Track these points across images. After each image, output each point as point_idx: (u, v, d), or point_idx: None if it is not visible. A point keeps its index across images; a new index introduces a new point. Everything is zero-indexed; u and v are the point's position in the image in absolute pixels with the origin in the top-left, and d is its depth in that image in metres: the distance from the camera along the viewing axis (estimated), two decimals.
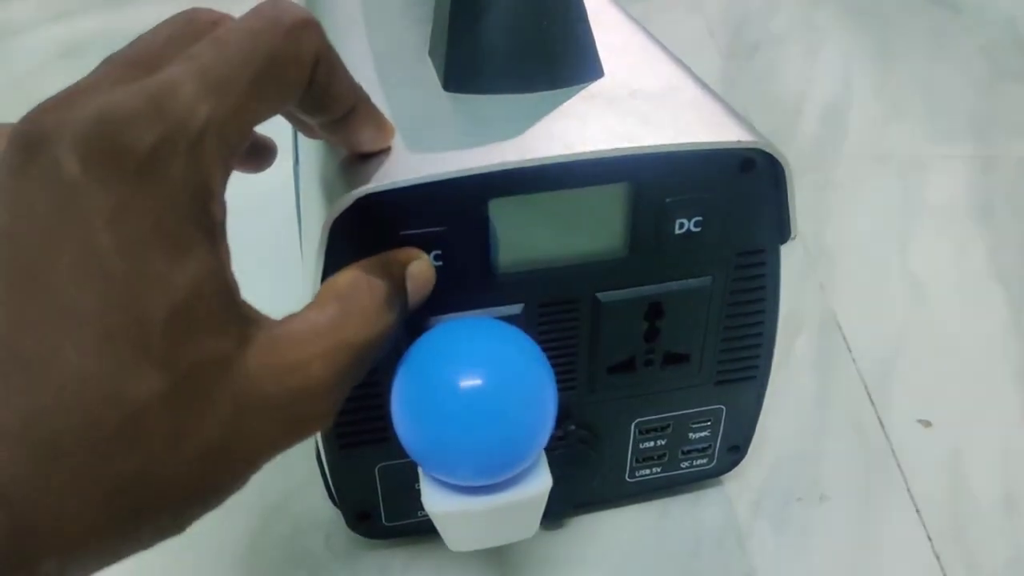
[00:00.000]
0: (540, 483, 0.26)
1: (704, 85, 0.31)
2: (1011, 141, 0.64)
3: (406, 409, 0.24)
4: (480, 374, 0.24)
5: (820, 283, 0.49)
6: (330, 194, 0.25)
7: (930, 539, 0.34)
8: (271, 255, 0.47)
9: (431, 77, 0.30)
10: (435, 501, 0.25)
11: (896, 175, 0.60)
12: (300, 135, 0.37)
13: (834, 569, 0.33)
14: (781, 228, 0.29)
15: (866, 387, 0.42)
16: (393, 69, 0.32)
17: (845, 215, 0.56)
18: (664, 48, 0.34)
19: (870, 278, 0.50)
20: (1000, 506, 0.36)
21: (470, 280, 0.27)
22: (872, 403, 0.41)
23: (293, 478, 0.37)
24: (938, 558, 0.34)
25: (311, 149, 0.30)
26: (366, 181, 0.25)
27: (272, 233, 0.49)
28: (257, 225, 0.50)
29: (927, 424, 0.40)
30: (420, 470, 0.26)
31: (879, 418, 0.40)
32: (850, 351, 0.44)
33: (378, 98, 0.29)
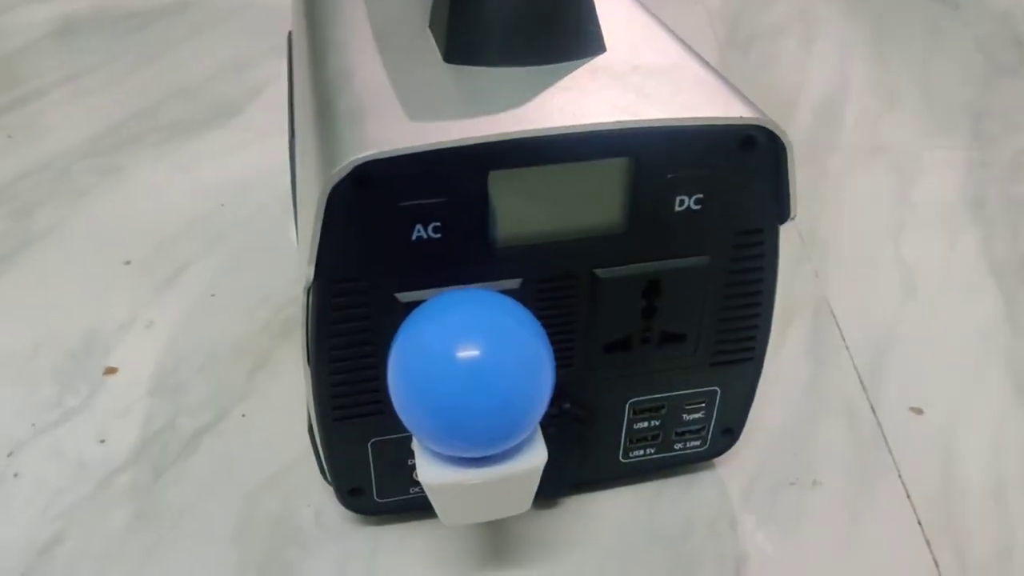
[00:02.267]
0: (535, 457, 0.26)
1: (706, 63, 0.30)
2: (1006, 135, 0.64)
3: (403, 379, 0.24)
4: (477, 344, 0.23)
5: (815, 271, 0.49)
6: (327, 162, 0.25)
7: (920, 525, 0.34)
8: (265, 235, 0.47)
9: (432, 49, 0.30)
10: (430, 473, 0.25)
11: (891, 167, 0.60)
12: (297, 108, 0.36)
13: (825, 553, 0.33)
14: (780, 207, 0.29)
15: (859, 374, 0.42)
16: (394, 42, 0.31)
17: (840, 205, 0.56)
18: (666, 26, 0.34)
19: (864, 267, 0.50)
20: (990, 493, 0.36)
21: (468, 253, 0.27)
22: (864, 390, 0.41)
23: (283, 455, 0.37)
24: (928, 543, 0.34)
25: (308, 121, 0.30)
26: (365, 148, 0.24)
27: (268, 214, 0.48)
28: (250, 206, 0.50)
29: (919, 411, 0.40)
30: (415, 442, 0.26)
31: (871, 405, 0.40)
32: (843, 339, 0.44)
33: (379, 70, 0.29)
